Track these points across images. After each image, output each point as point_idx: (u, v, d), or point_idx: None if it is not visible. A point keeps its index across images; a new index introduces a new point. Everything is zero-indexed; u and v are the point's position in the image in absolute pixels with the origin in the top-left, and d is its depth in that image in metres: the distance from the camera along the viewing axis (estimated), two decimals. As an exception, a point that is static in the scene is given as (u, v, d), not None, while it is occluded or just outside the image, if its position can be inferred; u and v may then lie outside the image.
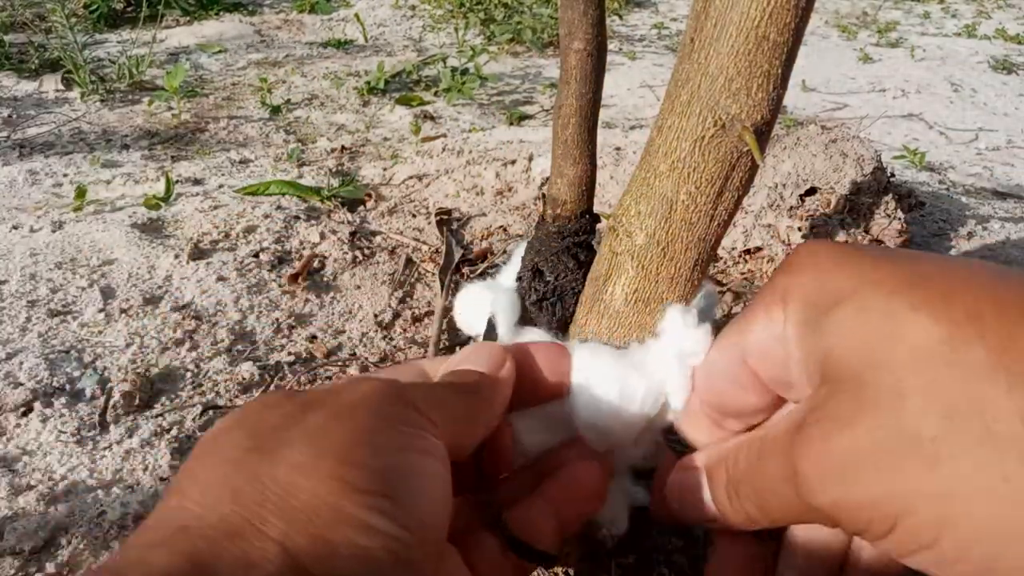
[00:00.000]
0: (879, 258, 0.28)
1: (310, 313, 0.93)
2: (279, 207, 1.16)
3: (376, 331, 0.90)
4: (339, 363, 0.83)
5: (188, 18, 2.32)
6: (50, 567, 0.59)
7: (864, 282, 0.26)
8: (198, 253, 1.03)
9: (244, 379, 0.81)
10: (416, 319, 0.92)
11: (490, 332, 0.45)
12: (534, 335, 0.46)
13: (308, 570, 0.23)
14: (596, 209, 0.52)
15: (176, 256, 1.02)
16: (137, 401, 0.76)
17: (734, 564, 0.35)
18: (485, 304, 0.47)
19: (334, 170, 1.35)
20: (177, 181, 1.28)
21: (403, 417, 0.28)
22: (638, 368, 0.40)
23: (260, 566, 0.22)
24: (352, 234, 1.09)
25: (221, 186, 1.29)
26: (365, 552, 0.23)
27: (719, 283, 0.99)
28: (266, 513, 0.23)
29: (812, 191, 0.97)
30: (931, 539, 0.23)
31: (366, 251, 1.06)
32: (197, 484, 0.25)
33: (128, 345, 0.85)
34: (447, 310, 0.88)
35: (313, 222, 1.12)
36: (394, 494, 0.25)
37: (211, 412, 0.76)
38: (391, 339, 0.89)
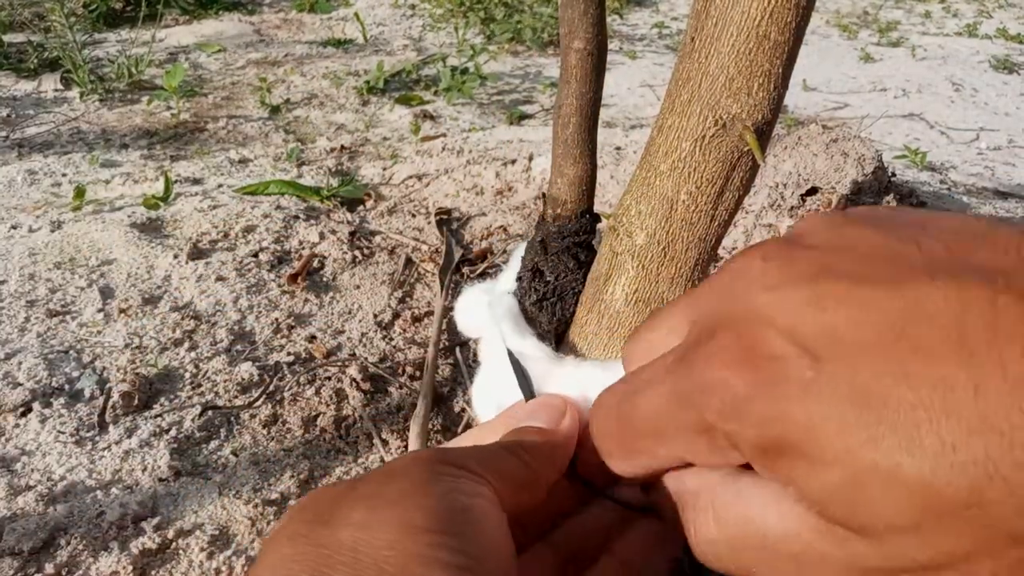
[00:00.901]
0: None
1: (309, 313, 0.93)
2: (278, 207, 1.16)
3: (376, 331, 0.90)
4: (339, 363, 0.83)
5: (187, 17, 2.32)
6: (49, 567, 0.59)
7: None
8: (197, 253, 1.03)
9: (243, 379, 0.80)
10: (416, 319, 0.92)
11: (521, 379, 0.44)
12: (531, 344, 0.45)
13: None
14: (596, 209, 0.52)
15: (175, 256, 1.02)
16: (136, 401, 0.76)
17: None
18: (484, 307, 0.46)
19: (333, 170, 1.35)
20: (176, 181, 1.28)
21: (452, 473, 0.29)
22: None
23: None
24: (352, 234, 1.09)
25: (220, 186, 1.29)
26: None
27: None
28: (335, 573, 0.24)
29: (813, 191, 0.96)
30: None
31: (366, 251, 1.05)
32: (266, 566, 0.26)
33: (127, 345, 0.85)
34: (447, 310, 0.88)
35: (312, 222, 1.12)
36: (454, 530, 0.26)
37: (210, 412, 0.76)
38: (391, 339, 0.89)
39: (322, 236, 1.07)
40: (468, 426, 0.75)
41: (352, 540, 0.25)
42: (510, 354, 0.45)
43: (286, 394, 0.79)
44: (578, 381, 0.42)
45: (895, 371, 0.19)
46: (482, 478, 0.30)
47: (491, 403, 0.46)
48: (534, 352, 0.45)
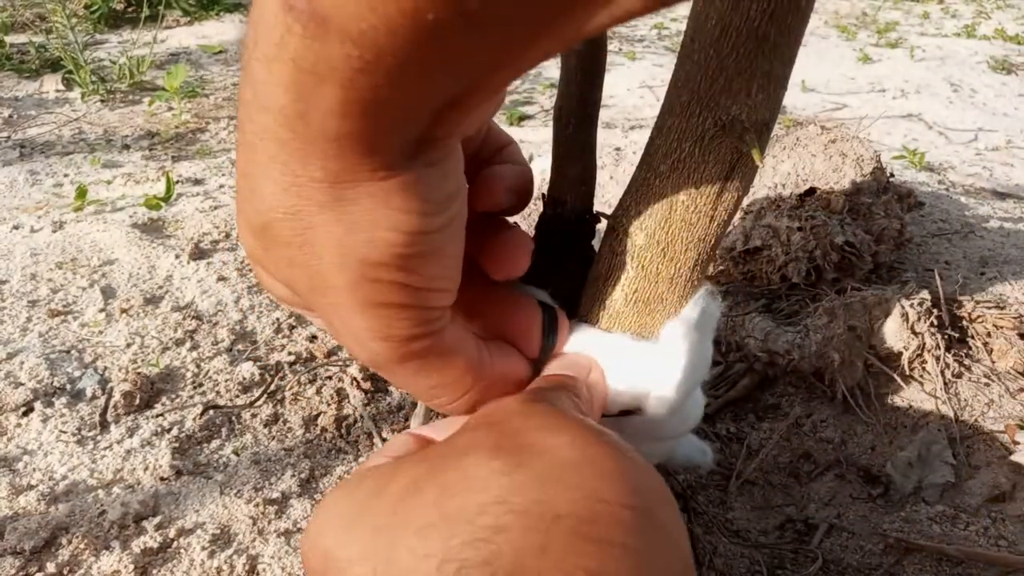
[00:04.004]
0: None
1: (310, 313, 0.93)
2: (279, 207, 1.16)
3: (376, 331, 0.90)
4: (339, 363, 0.84)
5: (188, 18, 2.32)
6: (50, 567, 0.59)
7: None
8: (199, 253, 1.04)
9: (245, 379, 0.81)
10: (416, 319, 0.92)
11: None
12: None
13: None
14: (596, 209, 0.52)
15: (177, 256, 1.02)
16: (137, 401, 0.77)
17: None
18: None
19: (334, 170, 1.35)
20: (178, 181, 1.28)
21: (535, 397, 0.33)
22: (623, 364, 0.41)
23: None
24: (352, 234, 1.09)
25: (222, 186, 1.30)
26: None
27: (719, 283, 0.99)
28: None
29: (812, 191, 0.97)
30: None
31: (366, 251, 1.06)
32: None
33: (128, 345, 0.85)
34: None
35: (313, 222, 1.12)
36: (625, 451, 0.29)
37: (211, 412, 0.76)
38: (391, 339, 0.89)
39: (323, 236, 1.08)
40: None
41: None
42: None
43: (287, 393, 0.79)
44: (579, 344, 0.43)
45: None
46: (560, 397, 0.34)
47: None
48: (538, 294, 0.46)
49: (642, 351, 0.42)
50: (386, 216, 0.26)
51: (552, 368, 0.40)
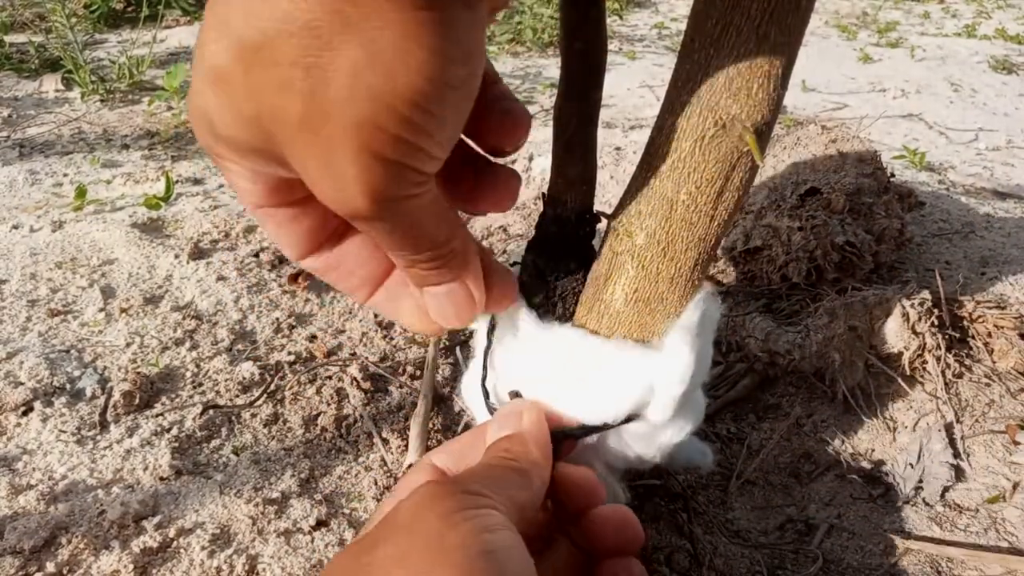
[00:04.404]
0: None
1: (310, 313, 0.93)
2: (279, 207, 1.16)
3: (376, 331, 0.90)
4: (339, 363, 0.84)
5: (188, 18, 2.32)
6: (50, 566, 0.59)
7: None
8: (198, 253, 1.03)
9: (244, 379, 0.81)
10: (416, 319, 0.92)
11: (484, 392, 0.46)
12: (523, 313, 0.46)
13: None
14: (596, 209, 0.52)
15: (176, 256, 1.02)
16: (137, 401, 0.76)
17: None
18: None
19: (334, 170, 1.35)
20: (177, 181, 1.28)
21: (472, 506, 0.31)
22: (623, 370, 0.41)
23: None
24: (352, 234, 1.09)
25: (221, 186, 1.30)
26: None
27: (719, 283, 0.99)
28: None
29: (812, 191, 0.97)
30: None
31: (366, 251, 1.06)
32: None
33: (128, 345, 0.85)
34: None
35: (313, 222, 1.12)
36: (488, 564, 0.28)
37: (211, 412, 0.76)
38: (391, 339, 0.89)
39: (323, 236, 1.07)
40: (468, 426, 0.75)
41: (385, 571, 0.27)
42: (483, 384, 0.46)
43: (287, 393, 0.79)
44: (562, 345, 0.42)
45: None
46: (497, 504, 0.31)
47: (477, 396, 0.47)
48: (525, 319, 0.46)
49: (644, 359, 0.42)
50: (414, 52, 0.24)
51: (490, 434, 0.40)
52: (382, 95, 0.25)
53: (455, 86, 0.26)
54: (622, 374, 0.41)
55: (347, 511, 0.67)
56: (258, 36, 0.24)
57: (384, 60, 0.24)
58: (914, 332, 0.79)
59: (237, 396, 0.79)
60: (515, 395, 0.44)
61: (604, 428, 0.42)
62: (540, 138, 1.44)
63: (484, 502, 0.31)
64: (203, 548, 0.62)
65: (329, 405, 0.78)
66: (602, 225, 0.48)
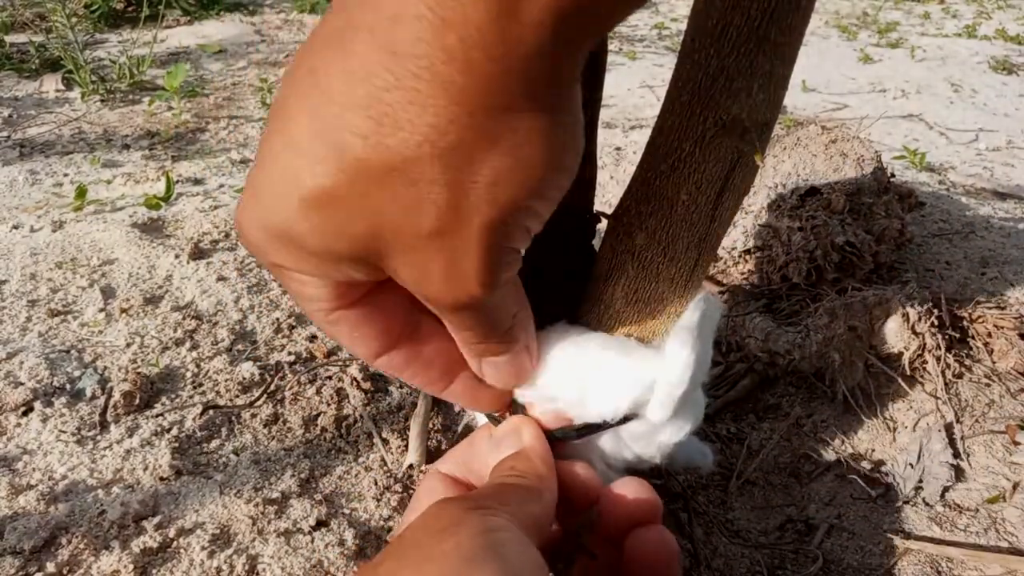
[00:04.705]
0: None
1: (310, 313, 0.93)
2: (279, 207, 1.16)
3: (376, 331, 0.90)
4: (339, 363, 0.84)
5: (188, 18, 2.32)
6: (50, 566, 0.59)
7: None
8: (198, 253, 1.03)
9: (244, 379, 0.81)
10: (416, 319, 0.92)
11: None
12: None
13: None
14: (596, 209, 0.52)
15: (176, 256, 1.02)
16: (137, 401, 0.76)
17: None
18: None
19: (334, 170, 1.35)
20: (177, 181, 1.28)
21: (474, 508, 0.31)
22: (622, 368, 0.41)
23: None
24: (352, 234, 1.09)
25: (221, 186, 1.30)
26: None
27: (719, 283, 0.99)
28: None
29: (813, 191, 0.97)
30: None
31: (366, 251, 1.06)
32: None
33: (128, 345, 0.85)
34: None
35: (313, 222, 1.12)
36: (499, 563, 0.28)
37: (211, 412, 0.76)
38: (391, 339, 0.89)
39: (323, 236, 1.07)
40: (468, 427, 0.75)
41: None
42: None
43: (287, 393, 0.79)
44: (561, 344, 0.42)
45: None
46: (506, 515, 0.31)
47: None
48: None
49: (644, 359, 0.42)
50: (553, 150, 0.26)
51: (488, 451, 0.41)
52: (519, 195, 0.26)
53: (573, 168, 0.28)
54: (622, 373, 0.41)
55: (347, 511, 0.67)
56: (390, 157, 0.24)
57: (525, 165, 0.25)
58: (914, 332, 0.79)
59: (237, 396, 0.79)
60: (512, 404, 0.44)
61: (603, 427, 0.42)
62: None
63: (491, 512, 0.31)
64: (203, 548, 0.62)
65: (329, 405, 0.78)
66: (602, 225, 0.48)
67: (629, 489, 0.38)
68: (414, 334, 0.36)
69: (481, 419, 0.48)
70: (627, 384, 0.41)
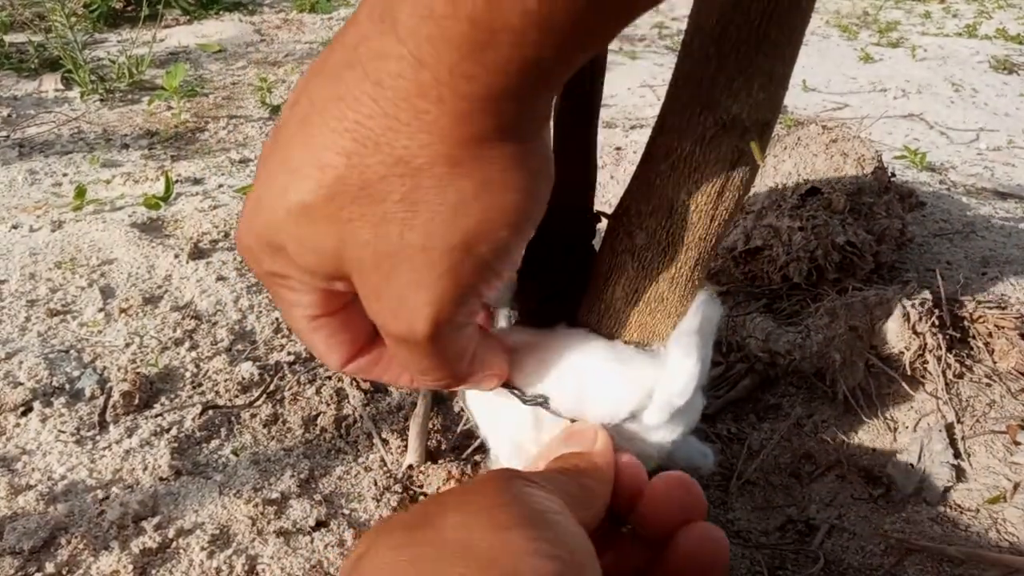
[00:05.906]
0: None
1: (310, 313, 0.93)
2: (279, 207, 1.16)
3: (376, 331, 0.90)
4: (339, 363, 0.83)
5: (188, 18, 2.32)
6: (50, 566, 0.59)
7: None
8: (198, 253, 1.03)
9: (244, 379, 0.81)
10: (416, 319, 0.92)
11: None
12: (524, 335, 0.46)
13: None
14: (596, 209, 0.52)
15: (176, 256, 1.02)
16: (137, 401, 0.76)
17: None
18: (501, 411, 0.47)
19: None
20: (177, 181, 1.28)
21: (527, 485, 0.31)
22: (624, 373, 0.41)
23: None
24: (352, 234, 1.09)
25: (221, 186, 1.29)
26: (542, 569, 0.26)
27: (719, 283, 0.99)
28: (449, 565, 0.26)
29: (813, 191, 0.96)
30: None
31: (366, 251, 1.06)
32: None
33: (128, 345, 0.85)
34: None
35: (313, 222, 1.12)
36: (545, 527, 0.28)
37: (210, 412, 0.76)
38: (391, 339, 0.89)
39: (322, 236, 1.07)
40: (468, 427, 0.75)
41: (459, 537, 0.27)
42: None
43: (286, 393, 0.79)
44: (558, 350, 0.42)
45: None
46: (552, 495, 0.31)
47: (505, 440, 0.46)
48: (518, 329, 0.45)
49: (645, 367, 0.41)
50: (522, 177, 0.27)
51: (559, 446, 0.40)
52: (483, 221, 0.27)
53: (543, 200, 0.29)
54: (622, 383, 0.41)
55: (347, 511, 0.67)
56: (367, 177, 0.26)
57: (492, 190, 0.26)
58: (915, 332, 0.79)
59: (237, 396, 0.79)
60: (542, 400, 0.43)
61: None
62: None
63: (542, 490, 0.31)
64: (203, 548, 0.61)
65: (329, 405, 0.78)
66: (602, 225, 0.48)
67: (673, 484, 0.38)
68: (379, 335, 0.36)
69: (484, 420, 0.47)
70: (627, 393, 0.41)
